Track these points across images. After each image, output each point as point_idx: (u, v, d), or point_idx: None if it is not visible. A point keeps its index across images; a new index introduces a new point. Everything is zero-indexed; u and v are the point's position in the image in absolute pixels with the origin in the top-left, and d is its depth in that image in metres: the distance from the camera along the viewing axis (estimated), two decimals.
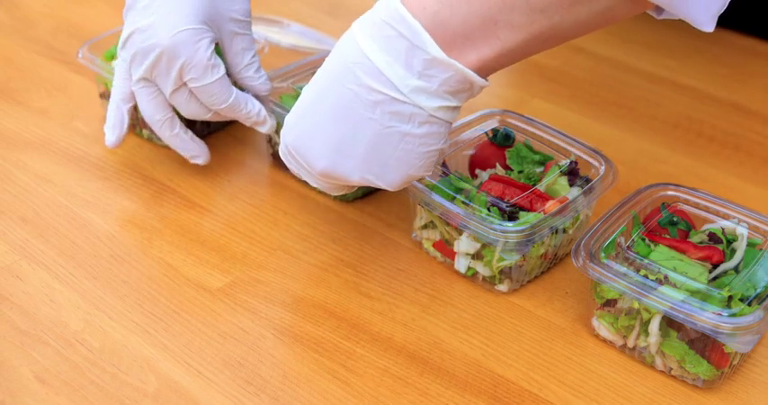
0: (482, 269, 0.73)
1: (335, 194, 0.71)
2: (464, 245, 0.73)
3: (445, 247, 0.75)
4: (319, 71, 0.65)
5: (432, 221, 0.75)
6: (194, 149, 0.83)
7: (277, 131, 0.83)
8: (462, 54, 0.60)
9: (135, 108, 0.87)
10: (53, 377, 0.66)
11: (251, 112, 0.80)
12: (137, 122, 0.89)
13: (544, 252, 0.73)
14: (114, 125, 0.82)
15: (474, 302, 0.73)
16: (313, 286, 0.74)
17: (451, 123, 0.64)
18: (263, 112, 0.81)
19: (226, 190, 0.84)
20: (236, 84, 0.81)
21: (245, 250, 0.77)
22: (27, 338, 0.68)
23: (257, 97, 0.82)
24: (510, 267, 0.72)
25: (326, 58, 0.65)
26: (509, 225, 0.69)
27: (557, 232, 0.73)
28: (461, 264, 0.74)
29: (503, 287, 0.73)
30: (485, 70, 0.61)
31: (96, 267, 0.75)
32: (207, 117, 0.80)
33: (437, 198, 0.71)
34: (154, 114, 0.80)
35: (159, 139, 0.88)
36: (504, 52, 0.60)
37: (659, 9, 0.57)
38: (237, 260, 0.76)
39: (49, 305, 0.71)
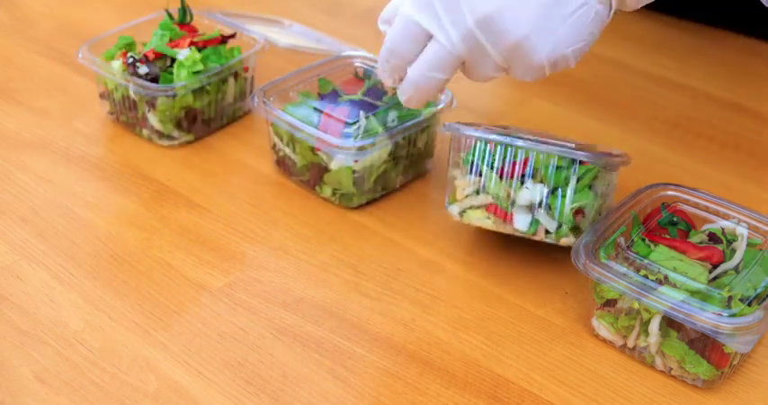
0: (546, 220, 0.72)
1: (414, 105, 0.68)
2: (529, 193, 0.71)
3: (500, 210, 0.73)
4: None
5: (476, 191, 0.73)
6: None
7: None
8: None
9: (134, 107, 0.87)
10: (53, 377, 0.66)
11: None
12: (136, 122, 0.89)
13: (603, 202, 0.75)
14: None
15: (474, 302, 0.73)
16: (313, 286, 0.74)
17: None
18: None
19: (226, 190, 0.84)
20: None
21: (245, 250, 0.77)
22: (27, 338, 0.68)
23: None
24: (583, 208, 0.71)
25: None
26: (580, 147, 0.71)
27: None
28: (522, 220, 0.72)
29: (569, 240, 0.72)
30: None
31: (96, 267, 0.75)
32: None
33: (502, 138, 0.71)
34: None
35: (159, 138, 0.88)
36: None
37: None
38: (237, 260, 0.76)
39: (49, 305, 0.71)
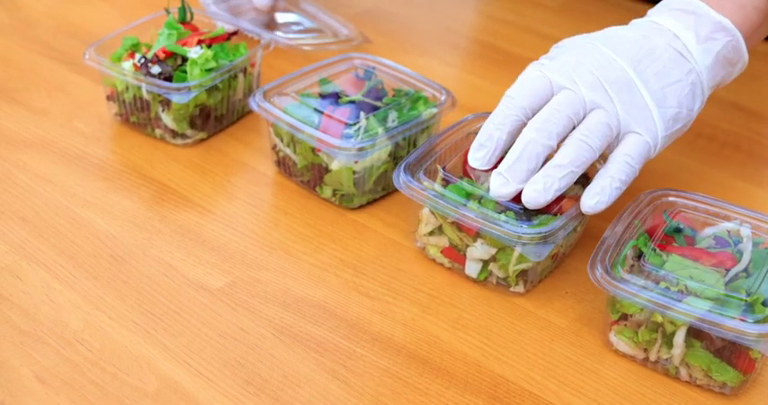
0: (497, 271, 0.73)
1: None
2: (478, 251, 0.72)
3: (454, 253, 0.75)
4: None
5: (438, 228, 0.75)
6: None
7: (274, 147, 0.83)
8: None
9: (146, 107, 0.88)
10: (53, 377, 0.66)
11: None
12: (148, 122, 0.89)
13: (555, 252, 0.73)
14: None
15: (474, 302, 0.73)
16: (313, 286, 0.74)
17: None
18: None
19: (226, 190, 0.84)
20: None
21: (245, 250, 0.77)
22: (27, 338, 0.68)
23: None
24: (527, 269, 0.72)
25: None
26: (531, 228, 0.68)
27: (571, 231, 0.73)
28: (473, 269, 0.74)
29: (519, 289, 0.73)
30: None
31: (96, 267, 0.75)
32: None
33: (451, 204, 0.70)
34: None
35: (173, 137, 0.88)
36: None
37: None
38: (237, 260, 0.76)
39: (49, 305, 0.71)
